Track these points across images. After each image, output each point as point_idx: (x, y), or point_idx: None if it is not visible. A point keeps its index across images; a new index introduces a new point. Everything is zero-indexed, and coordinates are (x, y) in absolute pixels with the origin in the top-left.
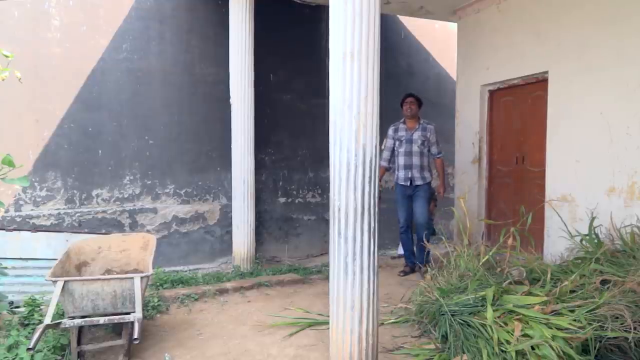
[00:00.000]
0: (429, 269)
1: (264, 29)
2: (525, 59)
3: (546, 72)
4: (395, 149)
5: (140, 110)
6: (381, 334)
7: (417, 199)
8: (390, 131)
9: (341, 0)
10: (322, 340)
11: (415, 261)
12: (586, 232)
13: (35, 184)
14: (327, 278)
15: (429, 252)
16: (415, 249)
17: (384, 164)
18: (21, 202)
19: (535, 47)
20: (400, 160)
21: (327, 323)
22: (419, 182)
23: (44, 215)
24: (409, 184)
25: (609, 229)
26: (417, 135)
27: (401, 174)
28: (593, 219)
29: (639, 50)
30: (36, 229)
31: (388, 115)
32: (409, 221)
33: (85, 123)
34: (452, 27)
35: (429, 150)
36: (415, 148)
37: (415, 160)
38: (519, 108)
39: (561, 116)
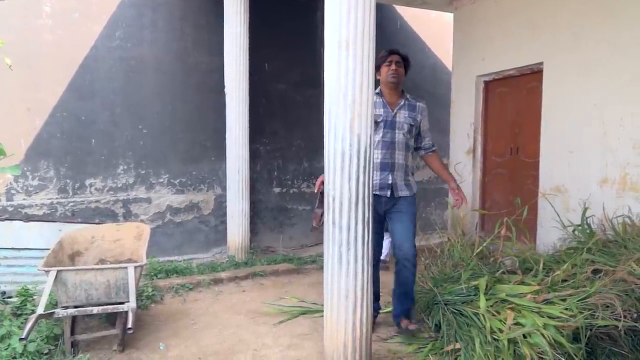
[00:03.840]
0: (414, 325)
1: (258, 17)
2: (520, 50)
3: (541, 64)
4: None
5: (134, 98)
6: (375, 323)
7: (400, 219)
8: None
9: None
10: (316, 329)
11: (397, 316)
12: (579, 222)
13: (27, 173)
14: (321, 268)
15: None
16: (393, 295)
17: None
18: (13, 192)
19: (531, 39)
20: (375, 155)
21: (322, 312)
22: (403, 192)
23: (36, 205)
24: (388, 194)
25: (601, 220)
26: (402, 115)
27: (375, 177)
28: (585, 209)
29: (634, 42)
30: (28, 218)
31: None
32: (379, 251)
33: (78, 112)
34: (449, 17)
35: (415, 141)
36: (399, 137)
37: (399, 156)
38: (514, 99)
39: (555, 107)
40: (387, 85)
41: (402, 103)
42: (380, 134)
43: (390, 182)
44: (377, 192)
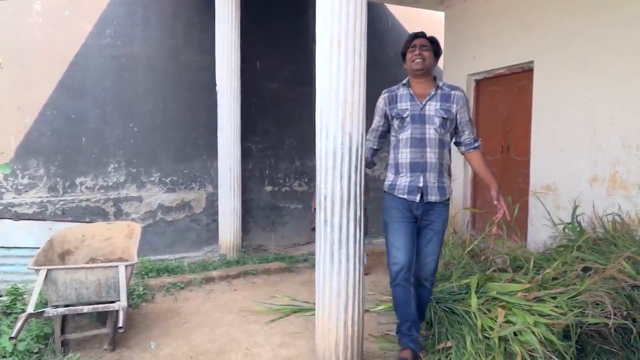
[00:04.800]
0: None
1: (250, 15)
2: (511, 49)
3: (532, 62)
4: (394, 132)
5: (125, 97)
6: (367, 321)
7: (429, 238)
8: (382, 101)
9: None
10: (307, 328)
11: (417, 343)
12: (569, 220)
13: (17, 171)
14: (313, 266)
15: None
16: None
17: (366, 155)
18: (2, 190)
19: (521, 37)
20: (403, 154)
21: (313, 310)
22: (434, 196)
23: (26, 204)
24: (417, 199)
25: (591, 218)
26: (433, 107)
27: (403, 179)
28: (576, 207)
29: (624, 40)
30: (18, 217)
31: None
32: (411, 265)
33: (69, 110)
34: (440, 16)
35: (452, 137)
36: (430, 132)
37: (431, 155)
38: (505, 97)
39: (546, 106)
40: (413, 74)
41: (433, 93)
42: (409, 131)
43: (421, 184)
44: (405, 196)
